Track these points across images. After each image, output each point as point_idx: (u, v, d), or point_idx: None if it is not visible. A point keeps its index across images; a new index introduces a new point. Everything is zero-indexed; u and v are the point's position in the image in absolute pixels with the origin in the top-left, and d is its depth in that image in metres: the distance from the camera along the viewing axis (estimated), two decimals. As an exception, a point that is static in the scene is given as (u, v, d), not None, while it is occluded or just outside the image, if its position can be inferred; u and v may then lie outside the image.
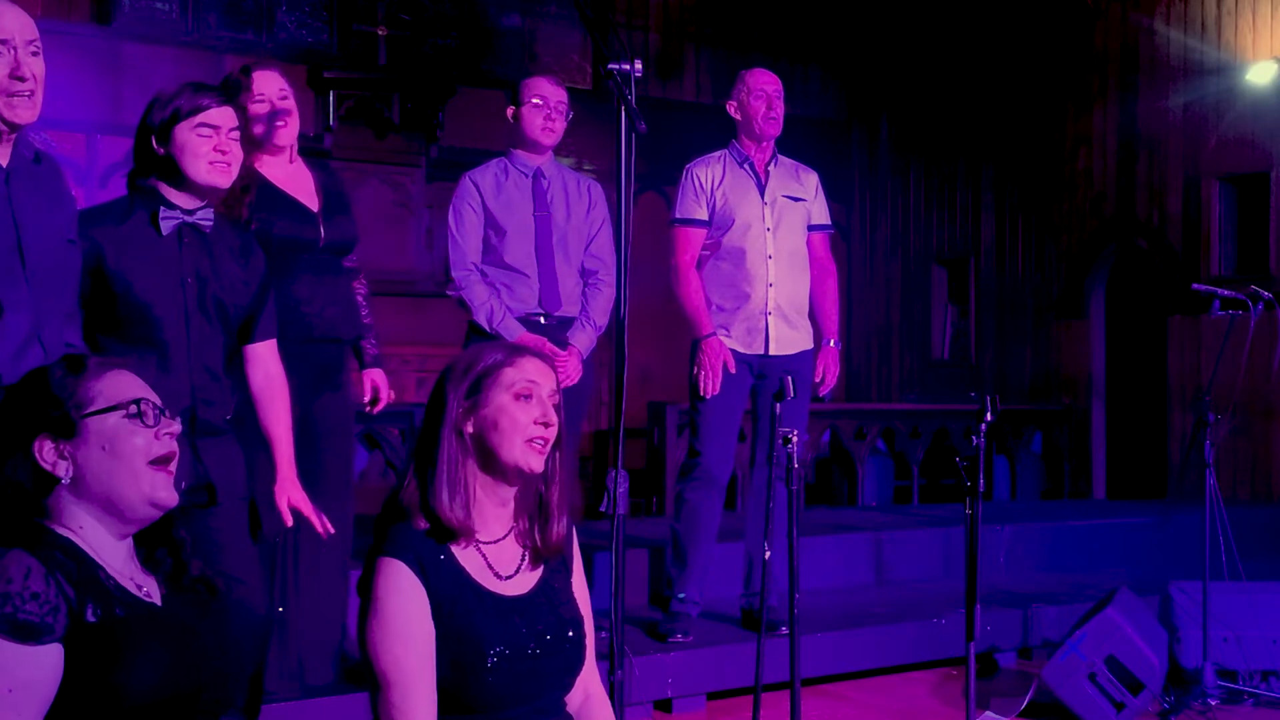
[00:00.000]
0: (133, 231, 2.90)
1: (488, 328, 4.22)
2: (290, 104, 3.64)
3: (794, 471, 3.42)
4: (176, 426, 1.93)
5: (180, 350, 2.91)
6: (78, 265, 2.74)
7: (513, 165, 4.38)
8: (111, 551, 1.87)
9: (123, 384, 1.91)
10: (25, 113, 2.50)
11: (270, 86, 3.60)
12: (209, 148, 2.90)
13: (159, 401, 1.94)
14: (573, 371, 4.29)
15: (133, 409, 1.89)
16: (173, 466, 1.92)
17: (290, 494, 3.11)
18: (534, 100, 4.31)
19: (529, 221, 4.32)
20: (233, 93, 3.48)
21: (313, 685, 3.75)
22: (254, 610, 3.01)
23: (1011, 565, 6.25)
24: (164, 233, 2.91)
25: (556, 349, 4.25)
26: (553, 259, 4.33)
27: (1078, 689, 4.43)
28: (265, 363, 3.14)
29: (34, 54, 2.51)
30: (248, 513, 3.07)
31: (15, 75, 2.48)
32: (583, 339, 4.37)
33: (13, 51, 2.48)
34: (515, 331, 4.22)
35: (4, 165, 2.54)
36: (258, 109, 3.56)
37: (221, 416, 3.00)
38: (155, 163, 2.93)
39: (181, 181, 2.93)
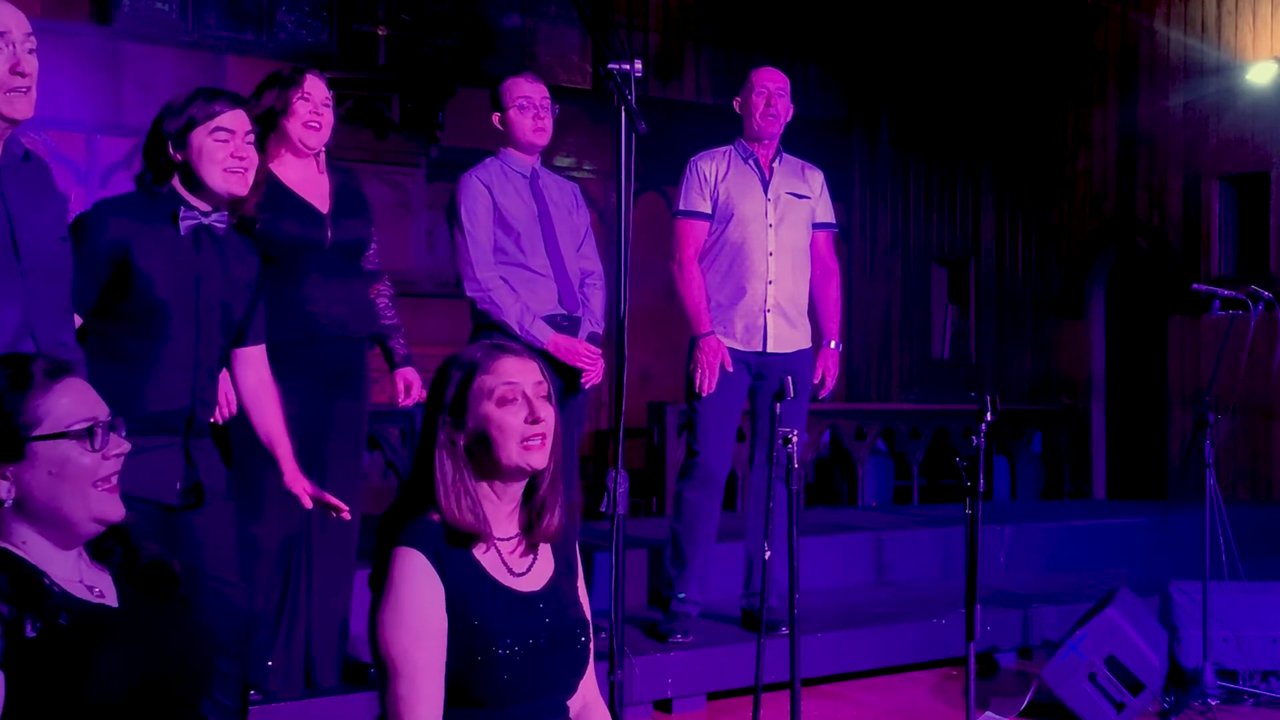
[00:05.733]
0: (156, 230, 2.93)
1: (518, 332, 4.16)
2: (330, 113, 3.70)
3: (794, 471, 3.42)
4: (125, 445, 1.90)
5: (187, 349, 2.94)
6: (70, 263, 2.75)
7: (509, 166, 4.35)
8: (58, 560, 1.84)
9: (72, 402, 1.85)
10: (23, 108, 2.55)
11: (318, 91, 3.67)
12: (225, 153, 2.94)
13: (108, 416, 1.89)
14: (600, 369, 4.29)
15: (82, 433, 1.84)
16: (115, 480, 1.88)
17: (302, 486, 3.13)
18: (519, 103, 4.27)
19: (536, 222, 4.30)
20: (285, 85, 3.59)
21: (314, 685, 3.75)
22: (237, 608, 3.02)
23: (1011, 565, 6.25)
24: (182, 233, 2.94)
25: (593, 347, 4.25)
26: (563, 259, 4.32)
27: (1078, 689, 4.43)
28: (257, 367, 3.17)
29: (30, 51, 2.56)
30: (232, 512, 3.09)
31: (15, 71, 2.52)
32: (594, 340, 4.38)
33: (12, 47, 2.53)
34: (545, 334, 4.19)
35: None
36: (301, 106, 3.61)
37: (209, 417, 3.05)
38: (172, 168, 2.97)
39: (198, 187, 2.96)
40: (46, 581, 1.79)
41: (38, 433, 1.81)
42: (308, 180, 3.68)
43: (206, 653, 1.99)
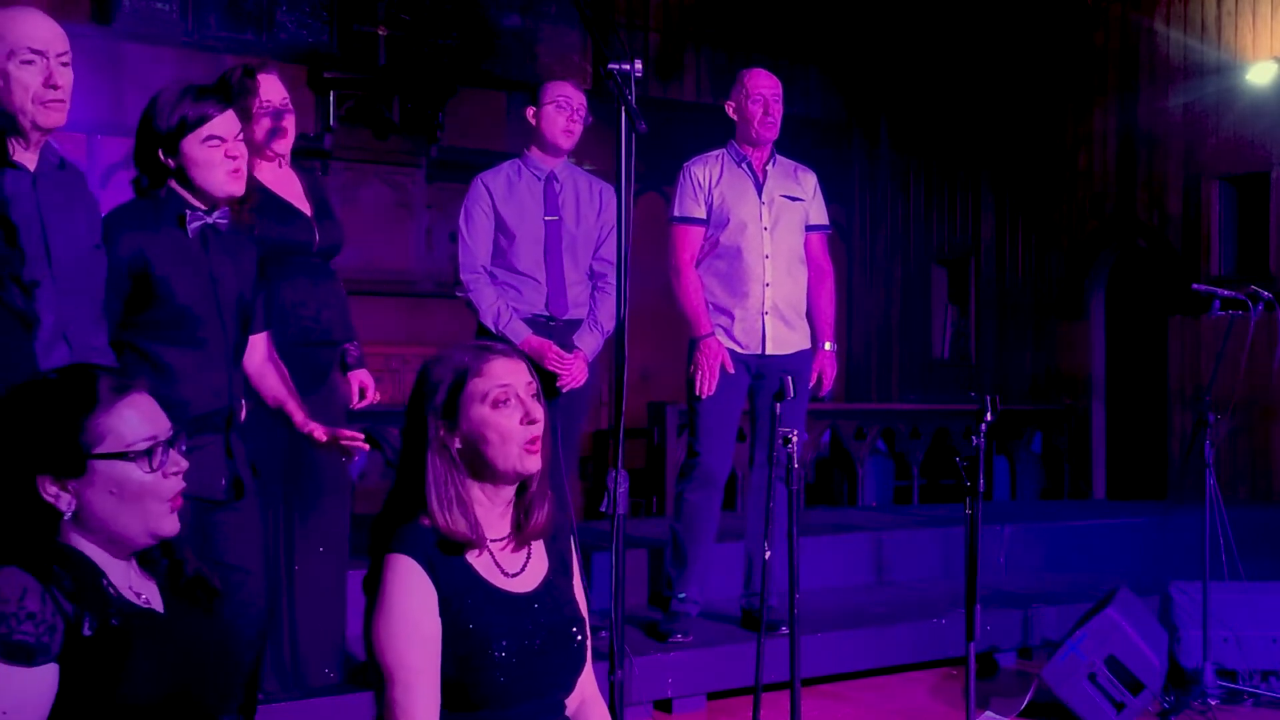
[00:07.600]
0: (166, 236, 2.94)
1: (494, 329, 4.24)
2: (291, 110, 3.67)
3: (794, 471, 3.42)
4: (184, 463, 1.90)
5: (219, 348, 2.98)
6: (104, 269, 2.79)
7: (526, 167, 4.39)
8: (112, 567, 1.86)
9: (134, 419, 1.85)
10: (56, 117, 2.64)
11: (275, 92, 3.62)
12: (221, 156, 2.94)
13: (169, 432, 1.89)
14: (578, 374, 4.30)
15: (143, 453, 1.84)
16: (178, 499, 1.90)
17: (314, 426, 3.13)
18: (556, 101, 4.33)
19: (539, 226, 4.33)
20: (238, 95, 3.51)
21: (313, 685, 3.75)
22: (256, 599, 3.05)
23: (1011, 565, 6.25)
24: (190, 235, 2.96)
25: (563, 352, 4.26)
26: (561, 264, 4.34)
27: (1078, 689, 4.43)
28: (264, 349, 3.21)
29: (64, 65, 2.65)
30: (258, 505, 3.12)
31: (49, 84, 2.62)
32: (589, 342, 4.37)
33: (46, 62, 2.62)
34: (521, 333, 4.24)
35: (31, 170, 2.65)
36: (263, 113, 3.58)
37: (241, 409, 3.08)
38: (166, 172, 2.96)
39: (195, 189, 2.97)
40: (105, 583, 1.82)
41: (99, 450, 1.82)
42: (281, 180, 3.67)
43: (238, 662, 2.02)
